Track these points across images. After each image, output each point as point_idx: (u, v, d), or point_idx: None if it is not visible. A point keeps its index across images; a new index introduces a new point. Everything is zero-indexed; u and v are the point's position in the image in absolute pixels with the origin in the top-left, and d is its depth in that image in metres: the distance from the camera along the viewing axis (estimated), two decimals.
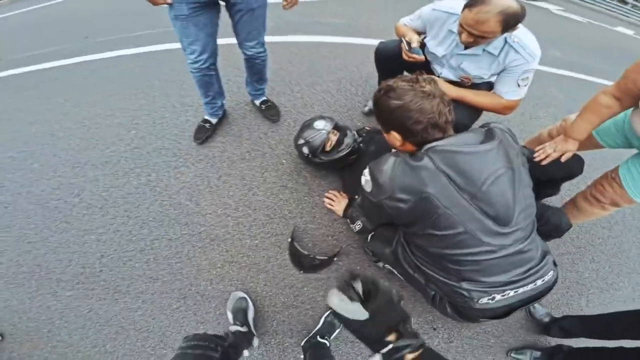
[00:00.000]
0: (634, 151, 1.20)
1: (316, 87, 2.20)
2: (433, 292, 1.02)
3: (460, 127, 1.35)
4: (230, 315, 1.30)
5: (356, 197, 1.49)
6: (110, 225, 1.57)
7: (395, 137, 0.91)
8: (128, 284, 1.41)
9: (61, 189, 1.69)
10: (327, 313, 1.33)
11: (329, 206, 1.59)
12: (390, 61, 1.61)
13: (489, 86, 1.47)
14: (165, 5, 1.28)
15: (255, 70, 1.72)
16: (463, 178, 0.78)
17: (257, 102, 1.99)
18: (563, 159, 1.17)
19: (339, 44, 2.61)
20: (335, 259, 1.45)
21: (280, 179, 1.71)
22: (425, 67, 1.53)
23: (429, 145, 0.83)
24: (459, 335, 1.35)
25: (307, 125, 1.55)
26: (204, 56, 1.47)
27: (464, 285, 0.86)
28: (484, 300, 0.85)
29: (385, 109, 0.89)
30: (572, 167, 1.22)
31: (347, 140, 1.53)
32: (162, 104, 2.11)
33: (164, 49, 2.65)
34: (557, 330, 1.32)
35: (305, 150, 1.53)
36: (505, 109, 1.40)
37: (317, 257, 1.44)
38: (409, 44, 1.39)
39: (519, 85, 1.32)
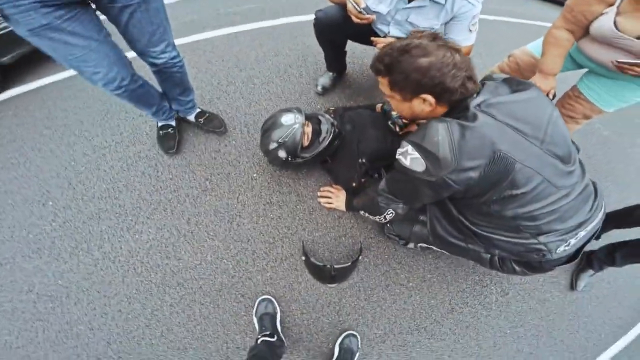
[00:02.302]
0: (582, 71, 1.30)
1: (254, 81, 1.90)
2: (488, 256, 0.96)
3: None
4: (256, 323, 1.17)
5: (353, 184, 1.34)
6: (93, 311, 1.20)
7: (423, 103, 0.79)
8: None
9: (5, 289, 1.23)
10: (340, 340, 1.21)
11: (327, 205, 1.40)
12: (334, 29, 1.44)
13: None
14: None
15: (175, 82, 1.34)
16: (528, 125, 0.73)
17: (192, 118, 1.61)
18: (550, 96, 1.19)
19: (259, 29, 2.30)
20: (360, 257, 1.29)
21: (260, 196, 1.44)
22: (369, 30, 1.43)
23: (476, 102, 0.74)
24: (510, 284, 1.35)
25: (272, 124, 1.30)
26: (114, 72, 1.05)
27: (541, 239, 0.80)
28: (561, 248, 0.81)
29: (414, 69, 0.75)
30: None
31: (325, 127, 1.33)
32: (68, 156, 1.59)
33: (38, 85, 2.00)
34: (621, 257, 1.36)
35: (282, 153, 1.29)
36: None
37: (341, 264, 1.26)
38: (357, 4, 1.23)
39: (470, 31, 1.30)
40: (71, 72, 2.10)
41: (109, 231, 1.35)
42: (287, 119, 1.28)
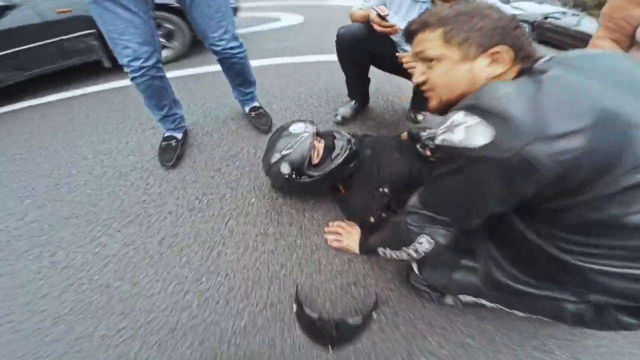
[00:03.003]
0: None
1: (273, 106, 1.81)
2: (576, 307, 0.64)
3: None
4: None
5: (371, 218, 1.05)
6: (8, 325, 0.92)
7: (492, 63, 0.59)
8: None
9: None
10: None
11: (336, 244, 1.10)
12: (356, 44, 1.36)
13: None
14: None
15: (236, 72, 1.42)
16: (618, 79, 0.49)
17: (246, 109, 1.66)
18: None
19: (284, 64, 2.34)
20: (374, 314, 0.93)
21: (254, 224, 1.19)
22: (392, 52, 1.34)
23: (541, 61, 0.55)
24: (583, 348, 0.89)
25: (279, 135, 1.11)
26: (148, 47, 1.12)
27: None
28: None
29: (487, 11, 0.59)
30: None
31: (340, 143, 1.11)
32: (68, 158, 1.53)
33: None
34: None
35: (285, 168, 1.06)
36: None
37: (347, 320, 0.91)
38: (379, 14, 1.14)
39: None
40: (103, 86, 2.18)
41: (70, 239, 1.14)
42: (296, 127, 1.09)
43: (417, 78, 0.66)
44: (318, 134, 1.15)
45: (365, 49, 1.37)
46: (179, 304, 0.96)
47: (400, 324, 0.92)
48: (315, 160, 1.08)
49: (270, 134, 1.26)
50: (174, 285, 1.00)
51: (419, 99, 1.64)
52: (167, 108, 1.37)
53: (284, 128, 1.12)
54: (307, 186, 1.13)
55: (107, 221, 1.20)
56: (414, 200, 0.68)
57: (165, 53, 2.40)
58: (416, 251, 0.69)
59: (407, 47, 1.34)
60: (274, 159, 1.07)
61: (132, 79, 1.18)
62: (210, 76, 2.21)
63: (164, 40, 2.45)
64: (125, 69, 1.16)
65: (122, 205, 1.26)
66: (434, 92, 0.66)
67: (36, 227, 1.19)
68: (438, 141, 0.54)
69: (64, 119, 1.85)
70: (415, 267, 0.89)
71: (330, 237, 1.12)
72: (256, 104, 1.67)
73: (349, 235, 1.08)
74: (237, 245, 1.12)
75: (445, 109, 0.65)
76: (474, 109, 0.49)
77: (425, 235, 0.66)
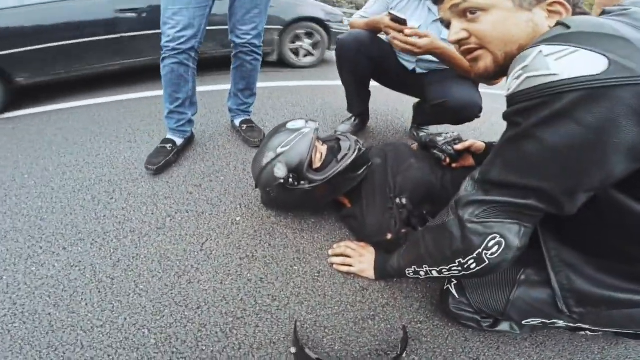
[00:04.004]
0: None
1: (266, 124, 1.68)
2: None
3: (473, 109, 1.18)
4: None
5: (387, 235, 0.84)
6: None
7: (550, 13, 0.49)
8: None
9: None
10: None
11: (344, 269, 0.87)
12: (358, 50, 1.28)
13: None
14: None
15: (244, 73, 1.41)
16: None
17: (237, 122, 1.56)
18: None
19: (278, 87, 2.29)
20: (404, 356, 0.67)
21: (238, 247, 0.95)
22: (395, 64, 1.34)
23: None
24: None
25: (274, 132, 0.95)
26: (189, 32, 1.13)
27: None
28: None
29: None
30: None
31: (347, 144, 0.95)
32: (26, 169, 1.30)
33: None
34: None
35: (281, 171, 0.88)
36: None
37: None
38: (396, 18, 1.05)
39: None
40: (82, 102, 2.02)
41: (2, 255, 0.87)
42: (294, 123, 0.93)
43: (456, 35, 0.54)
44: (320, 139, 0.99)
45: (367, 57, 1.29)
46: (129, 341, 0.68)
47: None
48: (317, 164, 0.91)
49: (257, 142, 1.11)
50: (125, 318, 0.72)
51: (420, 117, 1.56)
52: (179, 102, 1.29)
53: (279, 126, 0.96)
54: (306, 197, 0.93)
55: (52, 237, 0.94)
56: (468, 185, 0.50)
57: (309, 59, 2.99)
58: (478, 260, 0.49)
59: (408, 57, 1.29)
60: (266, 159, 0.89)
61: (162, 60, 1.19)
62: (199, 95, 2.12)
63: (309, 48, 2.98)
64: (165, 42, 1.16)
65: (75, 221, 1.01)
66: (484, 50, 0.53)
67: None
68: (514, 87, 0.40)
69: (34, 130, 1.65)
70: (453, 289, 0.67)
71: (336, 260, 0.89)
72: (249, 117, 1.58)
73: (360, 258, 0.86)
74: (215, 271, 0.87)
75: (500, 69, 0.52)
76: (565, 38, 0.36)
77: (494, 236, 0.46)
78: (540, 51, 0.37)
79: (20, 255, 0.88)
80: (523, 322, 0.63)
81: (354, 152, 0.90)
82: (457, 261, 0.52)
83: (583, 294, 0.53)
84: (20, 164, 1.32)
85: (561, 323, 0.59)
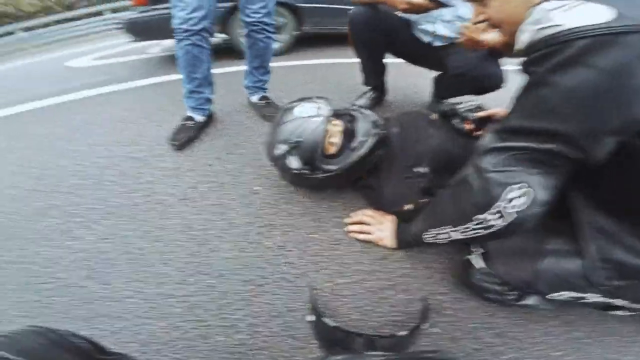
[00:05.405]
0: None
1: (283, 100, 1.64)
2: None
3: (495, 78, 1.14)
4: None
5: (407, 206, 0.81)
6: None
7: None
8: None
9: None
10: None
11: (362, 237, 0.85)
12: (369, 26, 1.27)
13: None
14: None
15: (258, 51, 1.40)
16: None
17: (255, 99, 1.57)
18: None
19: (289, 66, 2.25)
20: (422, 327, 0.66)
21: (257, 215, 0.96)
22: (409, 37, 1.30)
23: None
24: None
25: (282, 119, 0.90)
26: (200, 13, 1.14)
27: None
28: None
29: None
30: None
31: (364, 126, 0.89)
32: (60, 151, 1.37)
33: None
34: None
35: (294, 161, 0.86)
36: None
37: (385, 334, 0.64)
38: None
39: None
40: (108, 89, 2.09)
41: (44, 231, 0.94)
42: (302, 109, 0.87)
43: (476, 17, 0.58)
44: (334, 113, 0.94)
45: (380, 30, 1.25)
46: (156, 310, 0.72)
47: (459, 338, 0.65)
48: (332, 150, 0.87)
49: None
50: (153, 288, 0.77)
51: (441, 89, 1.47)
52: (196, 82, 1.31)
53: (287, 110, 0.90)
54: (323, 183, 0.92)
55: (85, 212, 1.00)
56: (488, 136, 0.46)
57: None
58: (502, 215, 0.45)
59: (425, 26, 1.23)
60: (278, 151, 0.87)
61: (177, 42, 1.21)
62: (217, 77, 2.13)
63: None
64: (177, 25, 1.17)
65: (105, 196, 1.06)
66: (500, 30, 0.55)
67: (5, 221, 1.00)
68: (523, 42, 0.44)
69: (65, 118, 1.74)
70: (478, 260, 0.64)
71: (353, 227, 0.87)
72: (265, 94, 1.58)
73: (380, 226, 0.84)
74: (236, 240, 0.89)
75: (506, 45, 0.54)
76: None
77: (519, 186, 0.42)
78: (543, 7, 0.41)
79: (58, 230, 0.95)
80: (551, 297, 0.59)
81: (372, 139, 0.85)
82: (476, 217, 0.48)
83: (621, 264, 0.48)
84: (55, 146, 1.41)
85: (594, 298, 0.55)
